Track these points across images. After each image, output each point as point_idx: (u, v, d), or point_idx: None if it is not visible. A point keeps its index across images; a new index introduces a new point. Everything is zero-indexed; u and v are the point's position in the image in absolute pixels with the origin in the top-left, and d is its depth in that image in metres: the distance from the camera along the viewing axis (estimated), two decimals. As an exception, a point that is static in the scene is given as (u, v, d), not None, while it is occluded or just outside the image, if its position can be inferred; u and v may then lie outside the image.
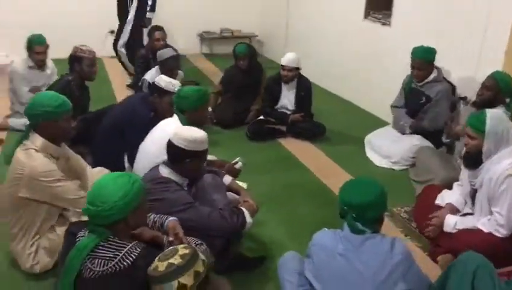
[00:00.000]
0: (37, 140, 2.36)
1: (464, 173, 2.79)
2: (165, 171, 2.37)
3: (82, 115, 3.70)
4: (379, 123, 4.72)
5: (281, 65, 4.43)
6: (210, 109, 4.74)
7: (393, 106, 4.25)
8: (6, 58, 6.03)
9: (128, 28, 5.95)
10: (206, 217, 2.30)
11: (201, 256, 1.69)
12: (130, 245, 1.72)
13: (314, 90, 4.70)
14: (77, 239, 1.73)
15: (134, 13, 5.91)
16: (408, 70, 4.03)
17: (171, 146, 2.35)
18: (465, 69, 3.94)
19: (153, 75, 4.14)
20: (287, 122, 4.51)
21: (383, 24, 5.01)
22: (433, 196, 2.99)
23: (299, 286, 2.13)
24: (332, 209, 3.09)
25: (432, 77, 3.88)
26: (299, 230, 2.99)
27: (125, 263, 1.66)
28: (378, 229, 1.98)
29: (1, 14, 6.61)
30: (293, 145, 4.40)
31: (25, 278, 2.49)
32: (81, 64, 3.64)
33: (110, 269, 1.65)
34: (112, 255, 1.67)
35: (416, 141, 3.92)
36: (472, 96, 3.63)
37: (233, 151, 3.82)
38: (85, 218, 1.85)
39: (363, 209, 1.89)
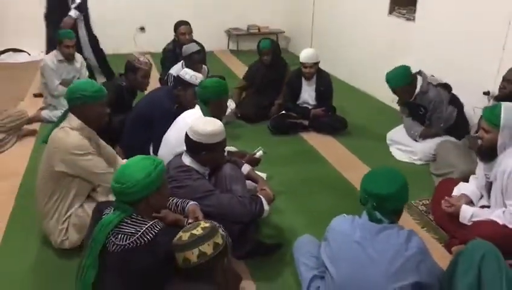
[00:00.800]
0: (74, 121, 2.55)
1: (480, 166, 2.81)
2: (187, 160, 2.50)
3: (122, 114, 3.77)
4: (401, 118, 4.72)
5: (301, 62, 4.48)
6: (234, 104, 4.87)
7: (402, 115, 4.23)
8: (41, 54, 6.32)
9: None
10: (227, 204, 2.41)
11: (221, 231, 1.80)
12: (151, 223, 1.85)
13: (338, 85, 4.74)
14: (103, 215, 1.87)
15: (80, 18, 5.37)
16: (427, 68, 4.00)
17: (187, 139, 2.47)
18: (489, 63, 3.93)
19: (178, 70, 4.22)
20: (309, 117, 4.57)
21: (407, 19, 5.02)
22: (450, 189, 3.00)
23: (314, 268, 2.21)
24: (351, 201, 3.19)
25: (418, 89, 3.86)
26: (316, 220, 3.06)
27: (145, 239, 1.79)
28: (396, 221, 2.00)
29: (35, 12, 6.88)
30: (315, 139, 4.46)
31: (57, 255, 2.67)
32: (135, 75, 3.74)
33: (131, 244, 1.78)
34: (133, 231, 1.81)
35: (439, 138, 3.92)
36: (496, 91, 3.62)
37: (256, 144, 3.90)
38: (112, 199, 2.00)
39: (384, 199, 1.91)
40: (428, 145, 3.92)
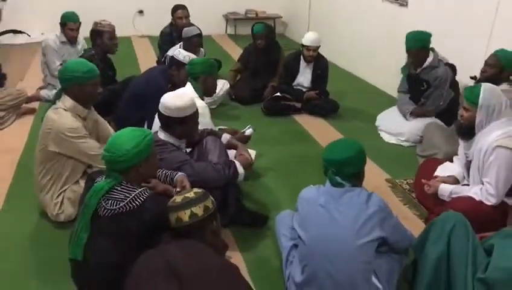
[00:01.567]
0: (67, 101, 2.64)
1: (461, 145, 2.91)
2: (162, 135, 2.59)
3: (108, 85, 3.94)
4: (393, 102, 4.79)
5: (302, 45, 4.54)
6: (228, 86, 4.97)
7: (399, 91, 4.34)
8: (42, 36, 6.40)
9: None
10: (202, 171, 2.53)
11: (211, 197, 1.93)
12: (140, 190, 1.97)
13: (332, 69, 4.81)
14: (95, 182, 2.00)
15: None
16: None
17: (159, 114, 2.57)
18: (477, 48, 4.01)
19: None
20: (302, 100, 4.67)
21: (400, 5, 5.09)
22: (433, 168, 3.11)
23: (292, 239, 2.35)
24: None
25: (428, 62, 3.91)
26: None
27: (134, 204, 1.91)
28: (358, 184, 2.17)
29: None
30: (307, 121, 4.57)
31: (53, 225, 2.81)
32: (102, 38, 3.90)
33: (121, 209, 1.91)
34: (123, 197, 1.93)
35: (427, 120, 4.01)
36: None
37: (249, 125, 4.03)
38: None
39: (341, 164, 2.10)
40: (416, 126, 4.01)
